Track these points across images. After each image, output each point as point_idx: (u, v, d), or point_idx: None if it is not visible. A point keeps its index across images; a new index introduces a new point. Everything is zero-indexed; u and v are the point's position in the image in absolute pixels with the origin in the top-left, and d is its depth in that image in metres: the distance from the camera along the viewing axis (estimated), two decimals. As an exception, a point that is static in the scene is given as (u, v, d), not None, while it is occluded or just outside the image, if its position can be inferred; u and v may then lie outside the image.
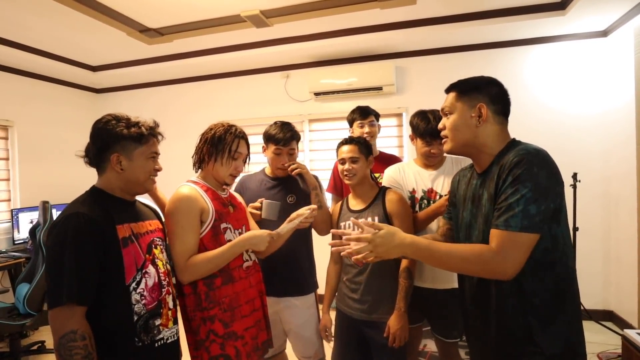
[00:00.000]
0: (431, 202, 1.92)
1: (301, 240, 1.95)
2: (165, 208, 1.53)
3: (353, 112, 2.51)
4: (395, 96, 3.90)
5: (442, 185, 1.93)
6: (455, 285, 1.92)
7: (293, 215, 1.64)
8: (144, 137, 1.30)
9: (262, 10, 3.04)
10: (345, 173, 1.85)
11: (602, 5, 2.84)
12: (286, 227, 1.61)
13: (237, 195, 1.78)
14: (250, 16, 3.10)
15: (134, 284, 1.23)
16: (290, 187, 2.01)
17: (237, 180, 1.92)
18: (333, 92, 3.91)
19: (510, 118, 1.31)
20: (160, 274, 1.34)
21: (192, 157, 1.63)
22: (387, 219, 1.80)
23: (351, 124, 2.51)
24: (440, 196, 1.91)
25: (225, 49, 3.82)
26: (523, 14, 3.13)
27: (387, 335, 1.73)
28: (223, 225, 1.53)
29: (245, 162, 1.66)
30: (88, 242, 1.15)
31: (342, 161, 1.86)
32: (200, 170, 1.63)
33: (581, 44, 3.49)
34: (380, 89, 3.79)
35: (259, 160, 2.62)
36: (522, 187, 1.08)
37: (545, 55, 3.57)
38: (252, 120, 4.30)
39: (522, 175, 1.08)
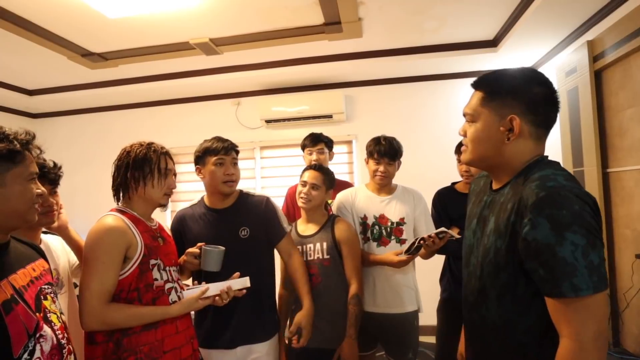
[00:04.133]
0: (382, 228, 1.97)
1: (267, 274, 1.73)
2: (85, 240, 1.32)
3: (305, 138, 2.58)
4: (345, 124, 4.00)
5: (393, 211, 1.98)
6: (409, 308, 1.96)
7: (222, 291, 1.42)
8: (19, 154, 0.97)
9: (211, 38, 3.04)
10: (302, 196, 1.86)
11: (529, 43, 3.12)
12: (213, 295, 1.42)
13: (165, 226, 1.59)
14: (200, 44, 3.09)
15: (25, 355, 0.94)
16: (240, 217, 1.69)
17: (172, 215, 1.78)
18: (284, 120, 3.93)
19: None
20: (57, 332, 1.04)
21: (112, 188, 1.44)
22: (335, 245, 1.83)
23: (303, 149, 2.57)
24: (392, 222, 1.96)
25: (174, 75, 3.76)
26: (460, 50, 3.37)
27: None
28: (152, 262, 1.35)
29: (174, 176, 1.52)
30: None
31: (304, 184, 1.88)
32: (122, 199, 1.45)
33: (512, 78, 3.81)
34: (330, 117, 3.88)
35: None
36: (571, 234, 0.79)
37: (481, 88, 3.85)
38: (202, 147, 4.21)
39: (562, 218, 0.80)
